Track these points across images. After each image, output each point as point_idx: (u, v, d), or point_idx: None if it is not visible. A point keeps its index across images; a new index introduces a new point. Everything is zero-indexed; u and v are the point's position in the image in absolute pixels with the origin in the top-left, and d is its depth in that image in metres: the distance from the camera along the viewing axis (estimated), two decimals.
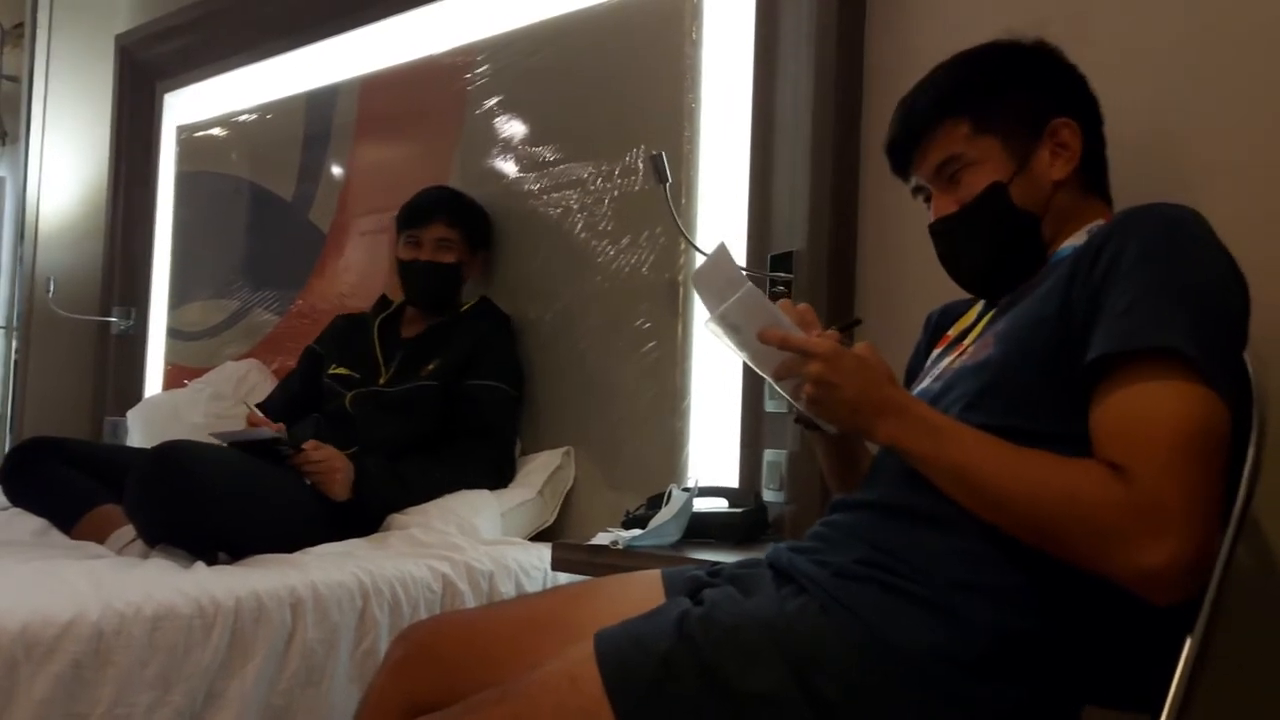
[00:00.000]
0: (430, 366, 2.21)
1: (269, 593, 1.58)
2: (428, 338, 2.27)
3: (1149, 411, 0.93)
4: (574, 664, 0.99)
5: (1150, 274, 0.96)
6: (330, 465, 1.97)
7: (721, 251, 1.14)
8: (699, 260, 2.04)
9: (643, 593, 1.20)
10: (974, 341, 1.14)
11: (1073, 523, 0.93)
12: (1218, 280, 0.98)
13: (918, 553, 1.01)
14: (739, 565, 1.18)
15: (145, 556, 1.76)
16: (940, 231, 1.20)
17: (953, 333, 1.26)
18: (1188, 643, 0.96)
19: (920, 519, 1.03)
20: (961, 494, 0.99)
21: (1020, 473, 0.96)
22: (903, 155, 1.22)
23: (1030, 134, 1.16)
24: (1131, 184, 1.24)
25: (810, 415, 1.10)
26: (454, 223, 2.30)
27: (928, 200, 1.23)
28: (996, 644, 0.96)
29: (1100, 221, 1.15)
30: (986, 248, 1.17)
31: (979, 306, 1.25)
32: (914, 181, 1.23)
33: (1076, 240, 1.13)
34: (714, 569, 1.20)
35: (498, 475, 2.17)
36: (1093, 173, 1.19)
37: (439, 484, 2.09)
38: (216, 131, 3.27)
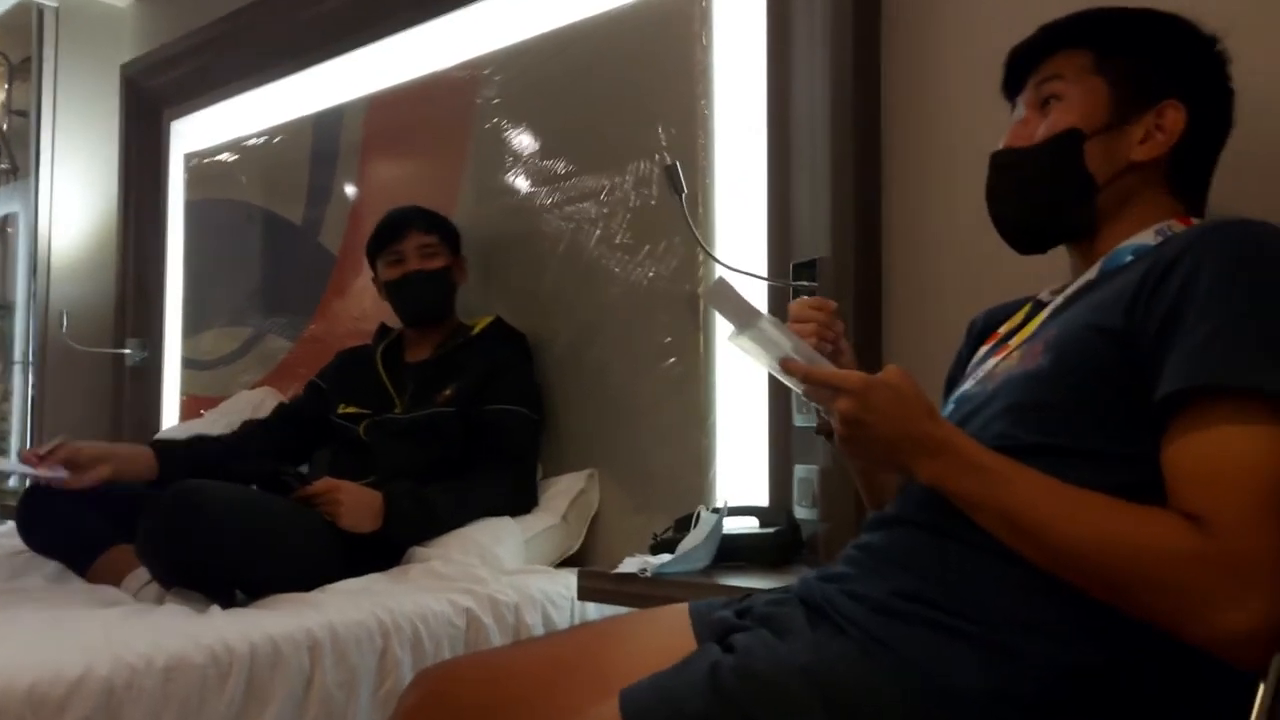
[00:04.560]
0: (446, 392, 2.14)
1: (285, 636, 1.52)
2: (441, 363, 2.21)
3: (1232, 456, 0.84)
4: None
5: (1231, 302, 0.88)
6: (332, 497, 1.90)
7: (721, 286, 1.08)
8: (718, 270, 1.98)
9: (670, 631, 1.14)
10: (1021, 344, 1.07)
11: (1145, 578, 0.85)
12: None
13: (966, 584, 0.93)
14: (769, 602, 1.09)
15: (161, 600, 1.71)
16: (999, 164, 1.15)
17: (1003, 331, 1.19)
18: (1260, 689, 0.88)
19: (965, 543, 0.95)
20: (1015, 540, 0.91)
21: (1082, 520, 0.88)
22: (1024, 63, 1.16)
23: (1141, 101, 1.08)
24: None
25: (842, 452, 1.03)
26: (429, 228, 2.26)
27: None
28: (1057, 681, 0.88)
29: (1173, 223, 1.06)
30: (1037, 195, 1.11)
31: (1028, 307, 1.18)
32: (1018, 100, 1.18)
33: (1143, 239, 1.05)
34: (742, 606, 1.13)
35: (520, 503, 2.10)
36: (1186, 173, 1.10)
37: (468, 514, 2.02)
38: (224, 157, 3.24)
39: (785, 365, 1.01)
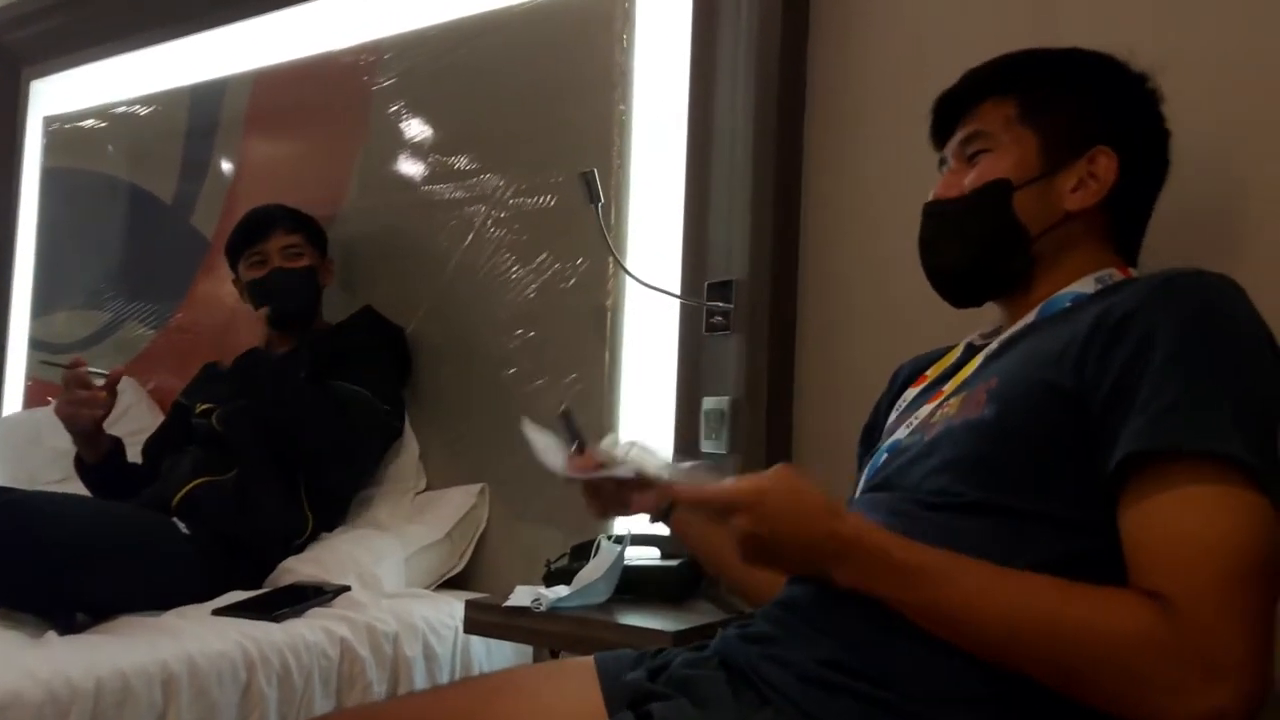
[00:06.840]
0: (303, 375, 2.00)
1: (136, 670, 1.36)
2: (301, 353, 2.07)
3: (1195, 529, 0.79)
4: None
5: (1190, 366, 0.82)
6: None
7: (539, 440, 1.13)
8: (630, 285, 1.89)
9: (575, 689, 1.04)
10: (958, 390, 1.01)
11: (1104, 666, 0.78)
12: (1263, 370, 0.85)
13: (884, 650, 0.87)
14: (686, 663, 1.01)
15: None
16: (931, 213, 1.10)
17: (931, 374, 1.13)
18: None
19: (883, 605, 0.88)
20: (953, 636, 0.84)
21: (1032, 610, 0.81)
22: (949, 114, 1.11)
23: (1070, 149, 1.03)
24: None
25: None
26: (294, 228, 2.15)
27: None
28: None
29: (1114, 272, 1.02)
30: (967, 246, 1.06)
31: (958, 351, 1.12)
32: (945, 152, 1.12)
33: (1083, 287, 1.01)
34: (656, 663, 1.04)
35: (342, 457, 1.97)
36: (1122, 220, 1.06)
37: (305, 402, 1.92)
38: (89, 124, 2.98)
39: (673, 492, 0.97)
